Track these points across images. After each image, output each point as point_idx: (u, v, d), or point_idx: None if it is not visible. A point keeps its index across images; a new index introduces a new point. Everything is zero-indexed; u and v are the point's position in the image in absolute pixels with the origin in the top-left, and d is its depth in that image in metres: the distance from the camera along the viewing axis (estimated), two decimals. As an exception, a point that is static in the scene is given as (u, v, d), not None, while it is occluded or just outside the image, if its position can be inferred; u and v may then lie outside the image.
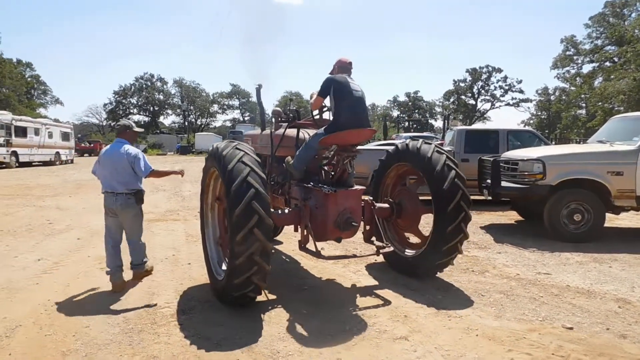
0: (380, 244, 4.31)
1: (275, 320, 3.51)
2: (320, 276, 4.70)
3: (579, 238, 6.14)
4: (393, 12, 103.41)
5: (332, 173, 4.33)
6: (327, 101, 4.28)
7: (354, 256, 4.65)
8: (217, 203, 4.21)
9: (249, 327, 3.38)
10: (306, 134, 4.54)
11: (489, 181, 7.13)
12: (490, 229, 7.30)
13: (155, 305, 3.82)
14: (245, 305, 3.73)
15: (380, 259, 4.94)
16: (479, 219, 8.11)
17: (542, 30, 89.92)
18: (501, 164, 6.92)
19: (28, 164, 22.45)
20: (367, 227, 4.44)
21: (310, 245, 4.03)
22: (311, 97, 4.46)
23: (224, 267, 3.95)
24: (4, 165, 20.34)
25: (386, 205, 4.69)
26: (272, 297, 4.04)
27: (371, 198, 4.65)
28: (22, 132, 21.77)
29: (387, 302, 3.91)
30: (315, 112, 4.61)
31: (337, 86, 4.01)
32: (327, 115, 4.65)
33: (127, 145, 4.29)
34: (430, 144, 4.36)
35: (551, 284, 4.46)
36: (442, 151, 4.27)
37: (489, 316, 3.61)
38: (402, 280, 4.46)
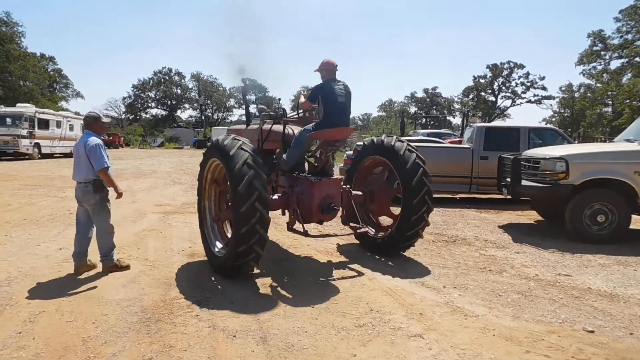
0: (356, 225, 4.95)
1: (290, 314, 3.52)
2: (334, 271, 4.69)
3: (602, 240, 5.97)
4: (411, 6, 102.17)
5: (316, 164, 5.01)
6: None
7: (335, 235, 5.38)
8: (215, 185, 4.75)
9: (264, 320, 3.40)
10: (291, 130, 5.10)
11: (508, 179, 7.00)
12: (508, 228, 7.17)
13: (172, 296, 3.87)
14: (244, 274, 4.21)
15: (399, 256, 5.05)
16: (497, 218, 7.98)
17: (567, 25, 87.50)
18: (522, 162, 6.78)
19: (50, 156, 22.99)
20: (345, 212, 5.06)
21: (298, 227, 4.61)
22: (298, 96, 5.11)
23: (218, 244, 4.59)
24: (27, 157, 20.89)
25: (360, 192, 5.30)
26: (286, 291, 4.06)
27: (348, 186, 5.21)
28: (44, 124, 22.30)
29: (402, 300, 3.88)
30: (301, 111, 5.41)
31: (324, 94, 4.68)
32: (308, 114, 5.46)
33: (92, 136, 4.49)
34: (403, 142, 4.99)
35: (572, 285, 4.35)
36: (413, 149, 4.90)
37: (507, 316, 3.55)
38: (418, 278, 4.43)
